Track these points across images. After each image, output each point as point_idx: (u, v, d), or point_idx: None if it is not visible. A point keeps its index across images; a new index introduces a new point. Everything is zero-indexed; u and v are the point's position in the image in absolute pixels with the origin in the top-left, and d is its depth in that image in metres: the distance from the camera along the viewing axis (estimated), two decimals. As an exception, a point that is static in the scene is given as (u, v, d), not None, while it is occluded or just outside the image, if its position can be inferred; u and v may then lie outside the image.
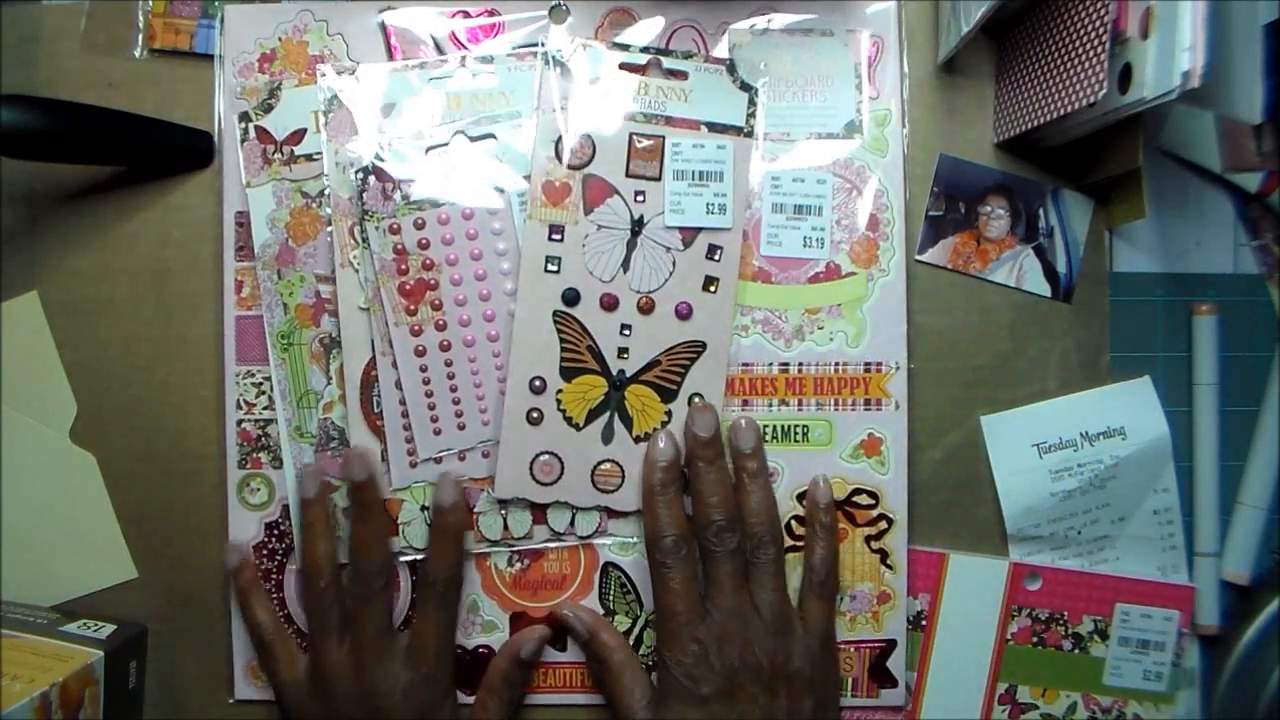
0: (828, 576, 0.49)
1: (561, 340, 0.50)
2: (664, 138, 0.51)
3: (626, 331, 0.51)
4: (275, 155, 0.51)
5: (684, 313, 0.51)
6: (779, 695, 0.47)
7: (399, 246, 0.50)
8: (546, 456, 0.50)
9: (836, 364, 0.52)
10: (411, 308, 0.50)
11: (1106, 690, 0.53)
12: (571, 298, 0.50)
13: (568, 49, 0.51)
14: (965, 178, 0.53)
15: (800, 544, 0.51)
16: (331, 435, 0.51)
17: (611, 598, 0.52)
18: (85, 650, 0.48)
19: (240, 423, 0.52)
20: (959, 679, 0.53)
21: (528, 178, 0.51)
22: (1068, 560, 0.53)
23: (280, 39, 0.52)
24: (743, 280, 0.51)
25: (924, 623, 0.52)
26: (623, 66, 0.51)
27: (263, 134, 0.52)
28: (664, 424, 0.51)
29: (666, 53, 0.51)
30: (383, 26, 0.52)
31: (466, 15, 0.52)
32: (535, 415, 0.50)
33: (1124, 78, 0.42)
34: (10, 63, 0.53)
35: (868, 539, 0.52)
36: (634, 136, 0.50)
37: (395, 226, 0.50)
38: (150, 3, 0.53)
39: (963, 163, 0.53)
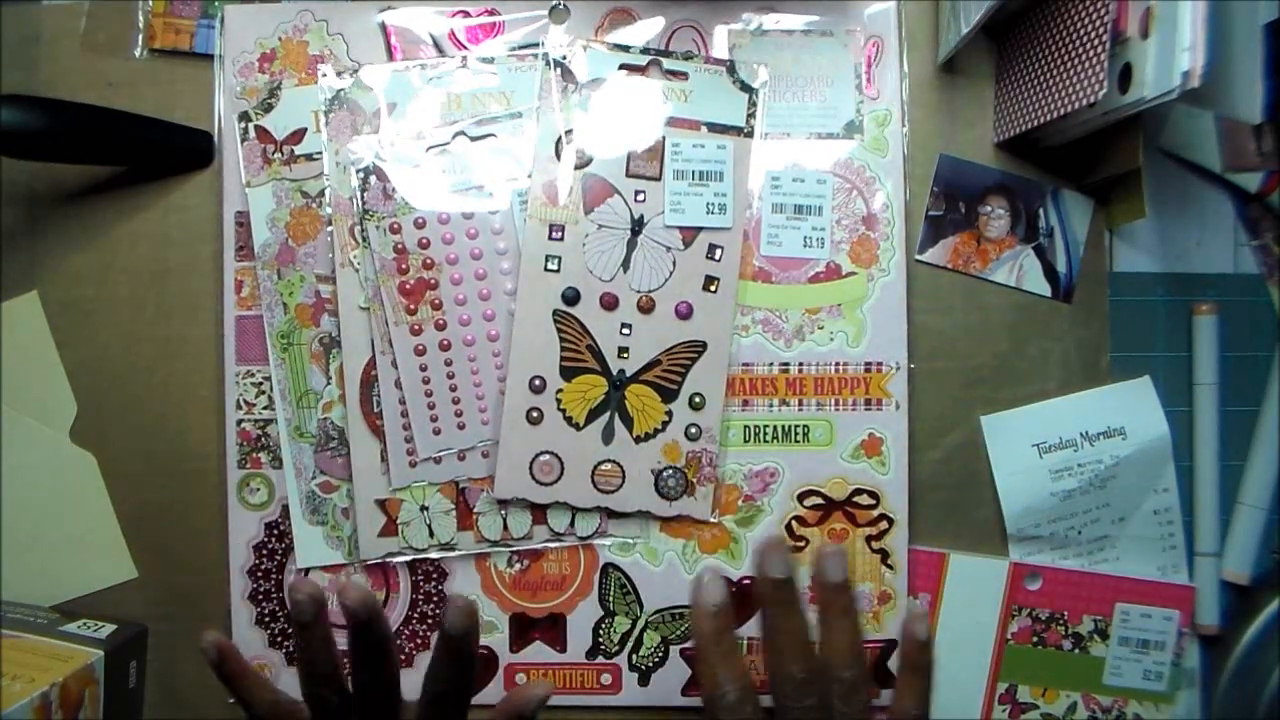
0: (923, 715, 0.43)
1: (561, 339, 0.50)
2: (664, 137, 0.51)
3: (626, 331, 0.51)
4: (275, 155, 0.51)
5: (684, 312, 0.51)
6: None
7: (399, 246, 0.50)
8: (546, 456, 0.50)
9: (837, 364, 0.52)
10: (411, 307, 0.50)
11: (1106, 690, 0.53)
12: (571, 297, 0.50)
13: (569, 50, 0.51)
14: (965, 178, 0.53)
15: (799, 544, 0.51)
16: (331, 435, 0.51)
17: (611, 598, 0.52)
18: (85, 650, 0.48)
19: (240, 423, 0.52)
20: (959, 679, 0.52)
21: (529, 177, 0.51)
22: (1068, 560, 0.53)
23: (280, 39, 0.52)
24: (743, 280, 0.51)
25: (924, 623, 0.52)
26: (623, 67, 0.51)
27: (263, 134, 0.52)
28: (665, 424, 0.51)
29: (667, 54, 0.51)
30: (383, 26, 0.52)
31: (466, 15, 0.52)
32: (535, 415, 0.50)
33: (1124, 78, 0.42)
34: (10, 63, 0.53)
35: (868, 539, 0.52)
36: (634, 136, 0.50)
37: (396, 226, 0.50)
38: (150, 3, 0.53)
39: (963, 163, 0.53)
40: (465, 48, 0.52)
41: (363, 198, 0.50)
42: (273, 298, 0.52)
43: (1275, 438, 0.53)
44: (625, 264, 0.51)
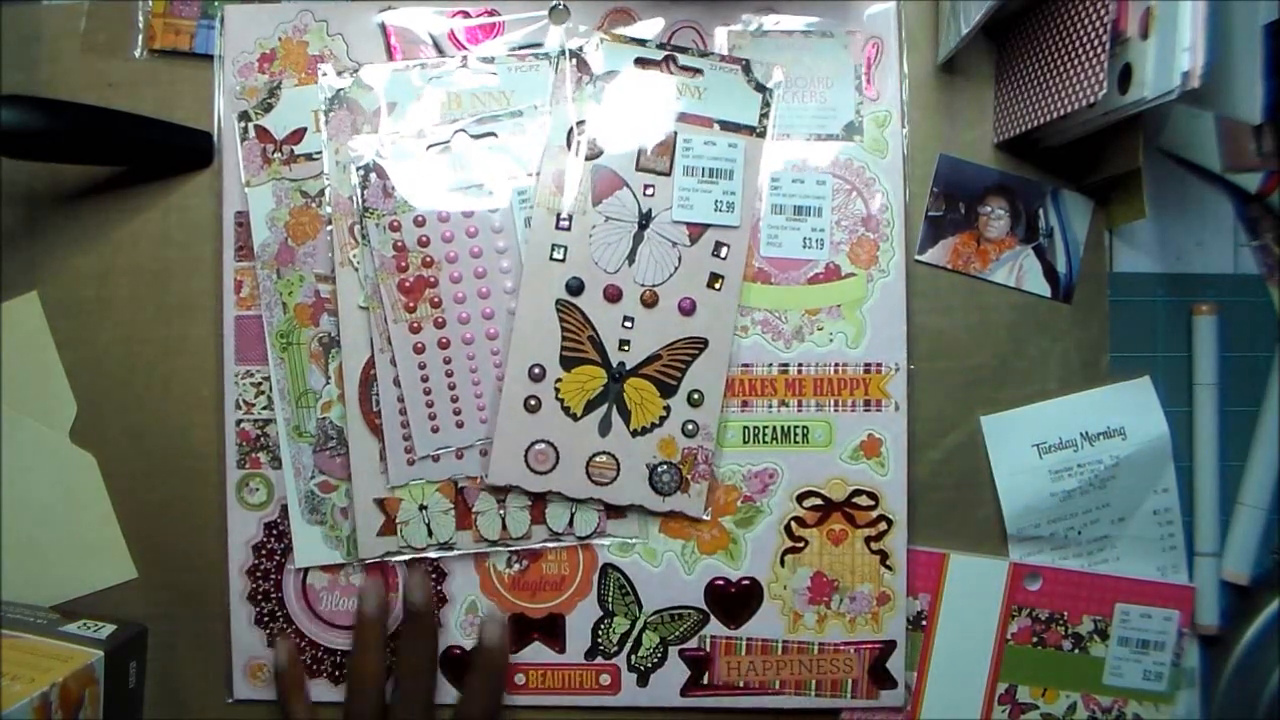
0: None
1: (563, 329, 0.50)
2: (675, 133, 0.51)
3: (629, 324, 0.51)
4: (275, 155, 0.52)
5: (687, 308, 0.51)
6: None
7: (399, 244, 0.50)
8: (542, 445, 0.50)
9: (836, 365, 0.52)
10: (411, 305, 0.50)
11: (1106, 690, 0.53)
12: (575, 287, 0.50)
13: (585, 41, 0.51)
14: (965, 178, 0.53)
15: (798, 545, 0.51)
16: (330, 434, 0.51)
17: (610, 599, 0.52)
18: (85, 650, 0.48)
19: (239, 422, 0.52)
20: (959, 679, 0.52)
21: (530, 175, 0.51)
22: (1068, 560, 0.53)
23: (280, 39, 0.52)
24: (743, 281, 0.51)
25: (924, 623, 0.52)
26: (638, 61, 0.51)
27: (262, 133, 0.52)
28: (663, 419, 0.51)
29: (683, 50, 0.51)
30: (383, 26, 0.52)
31: (466, 15, 0.52)
32: (533, 403, 0.50)
33: (1124, 78, 0.42)
34: (10, 63, 0.53)
35: (868, 540, 0.52)
36: (646, 131, 0.50)
37: (395, 224, 0.50)
38: (150, 3, 0.53)
39: (963, 163, 0.53)
40: (465, 48, 0.52)
41: (362, 195, 0.50)
42: (272, 297, 0.52)
43: (1275, 438, 0.53)
44: (630, 257, 0.51)
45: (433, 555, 0.51)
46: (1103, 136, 0.48)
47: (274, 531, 0.52)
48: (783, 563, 0.52)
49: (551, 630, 0.52)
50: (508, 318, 0.51)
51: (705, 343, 0.51)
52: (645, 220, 0.51)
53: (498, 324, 0.51)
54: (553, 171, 0.50)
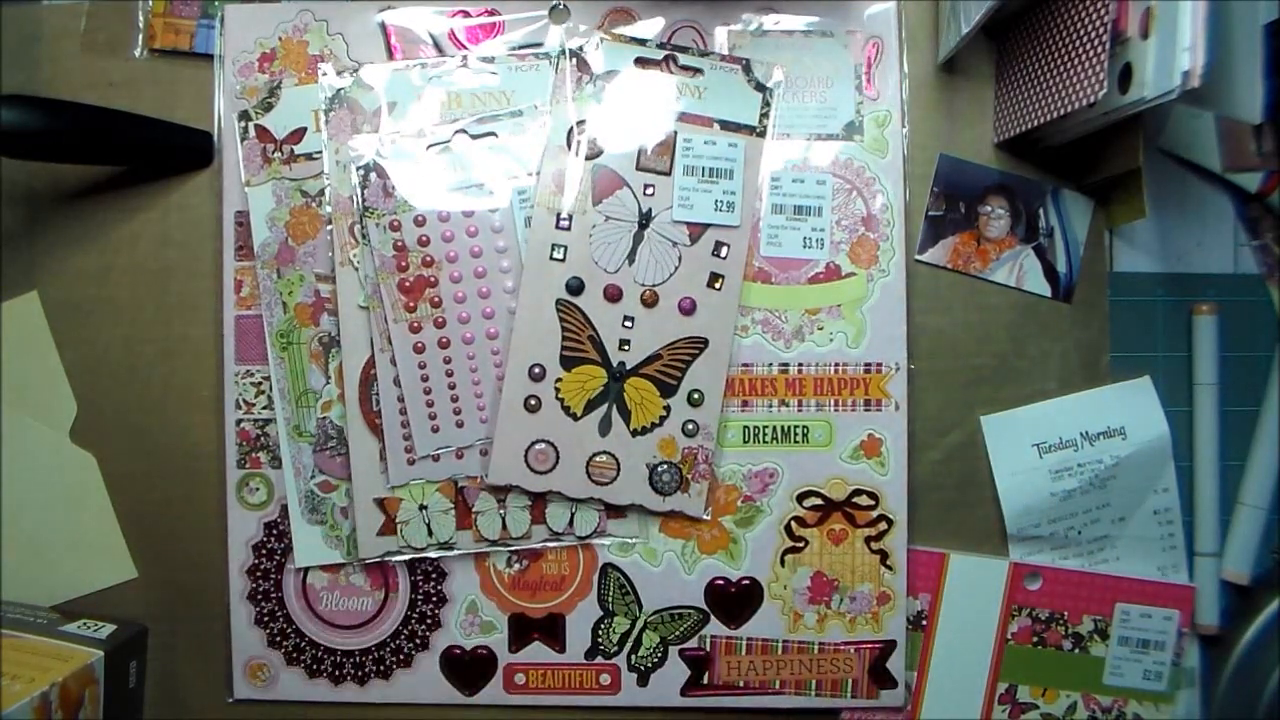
0: None
1: (563, 328, 0.50)
2: (676, 133, 0.51)
3: (629, 324, 0.51)
4: (275, 154, 0.52)
5: (687, 308, 0.51)
6: None
7: (399, 243, 0.50)
8: (542, 445, 0.50)
9: (836, 364, 0.52)
10: (411, 305, 0.50)
11: (1106, 690, 0.53)
12: (575, 286, 0.50)
13: (585, 40, 0.51)
14: (965, 178, 0.53)
15: (798, 544, 0.51)
16: (330, 434, 0.51)
17: (610, 599, 0.52)
18: (85, 650, 0.48)
19: (239, 422, 0.52)
20: (959, 679, 0.52)
21: (530, 175, 0.51)
22: (1068, 560, 0.53)
23: (280, 39, 0.52)
24: (743, 280, 0.51)
25: (924, 623, 0.52)
26: (638, 61, 0.51)
27: (262, 133, 0.52)
28: (663, 418, 0.51)
29: (683, 49, 0.51)
30: (383, 26, 0.52)
31: (466, 15, 0.52)
32: (533, 402, 0.50)
33: (1124, 78, 0.42)
34: (10, 63, 0.53)
35: (868, 540, 0.52)
36: (646, 130, 0.50)
37: (396, 223, 0.50)
38: (150, 3, 0.53)
39: (963, 163, 0.53)
40: (465, 47, 0.52)
41: (363, 195, 0.50)
42: (272, 297, 0.52)
43: (1275, 438, 0.53)
44: (631, 257, 0.51)
45: (433, 555, 0.51)
46: (1103, 136, 0.48)
47: (274, 531, 0.52)
48: (783, 562, 0.52)
49: (551, 630, 0.52)
50: (508, 317, 0.51)
51: (705, 342, 0.51)
52: (645, 220, 0.51)
53: (498, 324, 0.51)
54: (553, 171, 0.50)
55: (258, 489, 0.52)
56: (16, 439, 0.53)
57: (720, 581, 0.52)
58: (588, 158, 0.50)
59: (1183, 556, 0.53)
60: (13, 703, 0.43)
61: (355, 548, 0.51)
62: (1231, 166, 0.53)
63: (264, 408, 0.52)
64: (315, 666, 0.52)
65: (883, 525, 0.52)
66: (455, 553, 0.51)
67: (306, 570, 0.52)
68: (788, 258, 0.52)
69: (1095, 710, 0.53)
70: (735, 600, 0.52)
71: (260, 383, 0.52)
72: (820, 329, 0.52)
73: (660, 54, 0.51)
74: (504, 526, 0.51)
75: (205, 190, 0.53)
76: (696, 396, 0.51)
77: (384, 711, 0.53)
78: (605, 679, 0.52)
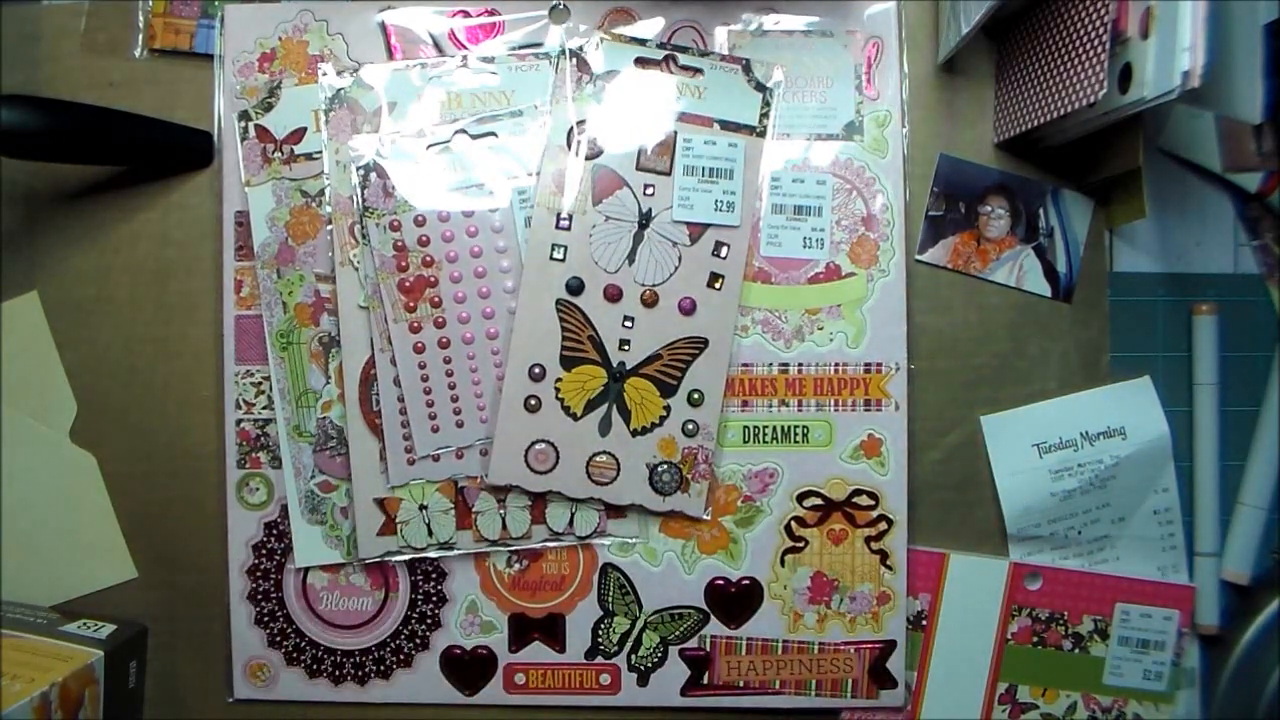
0: None
1: (563, 328, 0.50)
2: (676, 133, 0.51)
3: (629, 324, 0.51)
4: (275, 154, 0.52)
5: (687, 308, 0.51)
6: None
7: (399, 243, 0.50)
8: (542, 445, 0.50)
9: (836, 364, 0.52)
10: (411, 305, 0.50)
11: (1106, 690, 0.53)
12: (575, 287, 0.50)
13: (585, 40, 0.51)
14: (965, 178, 0.53)
15: (798, 544, 0.51)
16: (330, 434, 0.51)
17: (610, 599, 0.52)
18: (85, 650, 0.48)
19: (239, 422, 0.52)
20: (959, 679, 0.52)
21: (530, 175, 0.51)
22: (1068, 560, 0.53)
23: (280, 38, 0.52)
24: (743, 280, 0.51)
25: (924, 623, 0.52)
26: (638, 61, 0.51)
27: (262, 133, 0.52)
28: (663, 418, 0.51)
29: (683, 49, 0.51)
30: (383, 26, 0.52)
31: (466, 15, 0.52)
32: (533, 402, 0.50)
33: (1124, 78, 0.42)
34: (10, 63, 0.53)
35: (868, 540, 0.52)
36: (646, 130, 0.50)
37: (396, 223, 0.50)
38: (150, 3, 0.53)
39: (963, 163, 0.53)
40: (465, 47, 0.52)
41: (363, 194, 0.50)
42: (272, 297, 0.52)
43: (1275, 438, 0.53)
44: (631, 257, 0.51)
45: (433, 555, 0.51)
46: (1103, 136, 0.48)
47: (274, 531, 0.52)
48: (783, 562, 0.52)
49: (552, 630, 0.52)
50: (508, 317, 0.51)
51: (705, 342, 0.51)
52: (645, 220, 0.51)
53: (498, 324, 0.51)
54: (553, 171, 0.50)
55: (258, 489, 0.52)
56: (16, 439, 0.53)
57: (720, 581, 0.52)
58: (588, 158, 0.51)
59: (1183, 556, 0.53)
60: (13, 702, 0.43)
61: (355, 548, 0.51)
62: (1231, 166, 0.53)
63: (264, 408, 0.52)
64: (315, 666, 0.52)
65: (883, 525, 0.52)
66: (455, 553, 0.51)
67: (306, 570, 0.52)
68: (788, 258, 0.52)
69: (1095, 710, 0.53)
70: (735, 600, 0.52)
71: (260, 383, 0.52)
72: (820, 329, 0.52)
73: (660, 54, 0.51)
74: (504, 526, 0.51)
75: (205, 190, 0.53)
76: (696, 396, 0.51)
77: (384, 711, 0.53)
78: (605, 679, 0.52)
